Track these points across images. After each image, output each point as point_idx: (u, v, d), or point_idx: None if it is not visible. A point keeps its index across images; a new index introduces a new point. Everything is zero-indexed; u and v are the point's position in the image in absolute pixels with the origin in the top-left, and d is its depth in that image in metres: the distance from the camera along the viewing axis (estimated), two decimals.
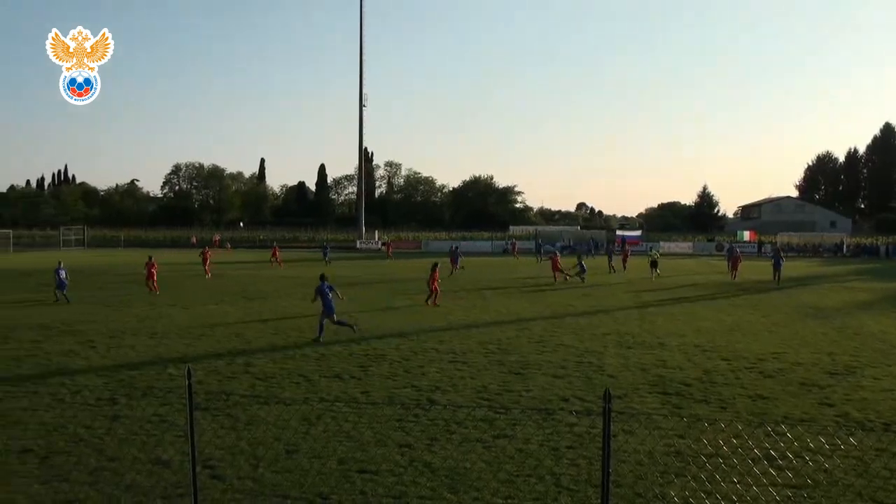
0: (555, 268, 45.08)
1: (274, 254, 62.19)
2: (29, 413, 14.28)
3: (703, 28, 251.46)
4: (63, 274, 34.94)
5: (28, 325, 26.54)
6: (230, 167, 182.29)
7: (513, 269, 58.35)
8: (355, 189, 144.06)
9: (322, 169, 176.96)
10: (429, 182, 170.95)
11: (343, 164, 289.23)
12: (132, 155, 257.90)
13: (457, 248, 55.64)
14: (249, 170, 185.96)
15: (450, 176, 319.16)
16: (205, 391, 15.80)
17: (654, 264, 49.61)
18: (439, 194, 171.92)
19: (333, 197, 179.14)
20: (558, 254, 49.38)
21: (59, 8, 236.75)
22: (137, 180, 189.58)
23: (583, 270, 44.65)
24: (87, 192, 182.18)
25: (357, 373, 17.81)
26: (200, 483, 8.80)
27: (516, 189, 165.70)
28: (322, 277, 24.12)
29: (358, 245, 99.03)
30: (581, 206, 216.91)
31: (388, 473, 10.64)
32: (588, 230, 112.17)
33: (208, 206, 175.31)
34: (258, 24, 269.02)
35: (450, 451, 11.55)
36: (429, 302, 32.03)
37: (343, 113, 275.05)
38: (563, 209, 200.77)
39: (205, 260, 49.63)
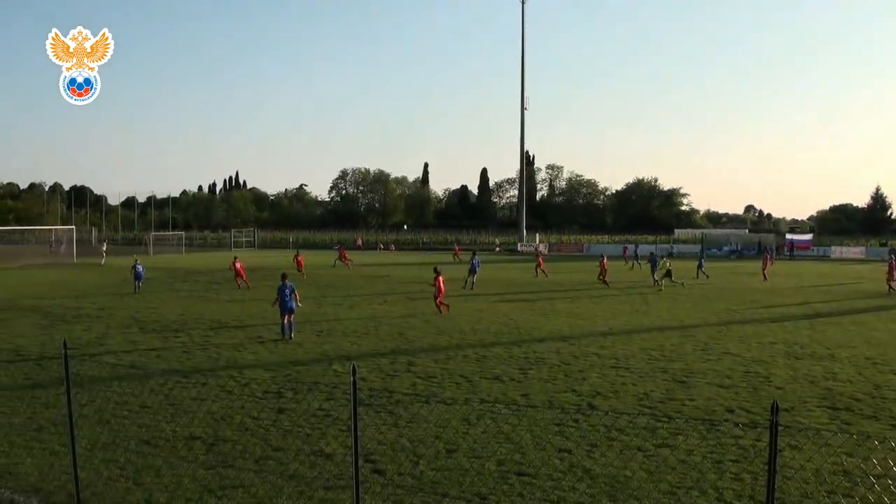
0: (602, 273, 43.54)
1: (343, 255, 62.80)
2: (198, 403, 14.89)
3: (870, 26, 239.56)
4: (140, 269, 40.91)
5: (199, 320, 27.79)
6: (395, 172, 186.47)
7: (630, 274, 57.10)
8: (516, 192, 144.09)
9: (484, 172, 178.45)
10: (591, 184, 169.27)
11: (505, 168, 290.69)
12: (301, 161, 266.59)
13: (476, 257, 46.87)
14: (413, 174, 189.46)
15: (613, 178, 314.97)
16: (368, 388, 16.11)
17: (668, 274, 42.88)
18: (602, 197, 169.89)
19: (495, 200, 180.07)
20: (605, 258, 46.94)
21: (59, 8, 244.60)
22: (306, 185, 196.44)
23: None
24: (258, 196, 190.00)
25: (517, 375, 17.80)
26: (362, 476, 8.93)
27: (681, 191, 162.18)
28: (283, 277, 24.41)
29: (519, 248, 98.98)
30: (749, 208, 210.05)
31: (546, 477, 10.54)
32: (756, 233, 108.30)
33: (373, 209, 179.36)
34: (420, 30, 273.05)
35: (610, 458, 11.35)
36: (441, 307, 30.51)
37: (505, 116, 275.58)
38: (731, 212, 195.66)
39: (298, 263, 50.11)
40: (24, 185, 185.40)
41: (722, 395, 15.80)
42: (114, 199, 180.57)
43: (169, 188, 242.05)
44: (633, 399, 15.50)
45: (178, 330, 25.47)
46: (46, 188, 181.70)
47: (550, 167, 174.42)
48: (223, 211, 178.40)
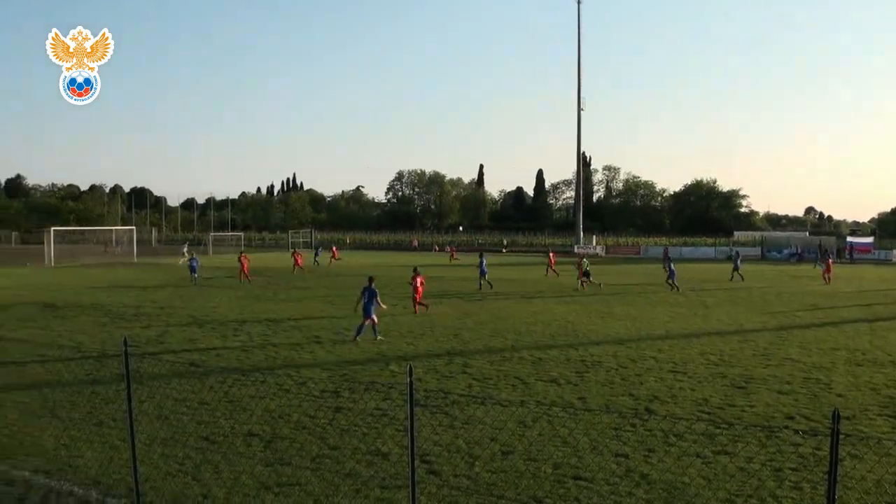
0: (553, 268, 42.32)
1: (297, 261, 63.93)
2: (256, 400, 15.07)
3: None
4: (195, 264, 47.44)
5: (258, 320, 28.10)
6: (450, 173, 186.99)
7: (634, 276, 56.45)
8: (573, 194, 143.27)
9: (540, 174, 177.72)
10: (648, 186, 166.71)
11: (561, 169, 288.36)
12: (358, 163, 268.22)
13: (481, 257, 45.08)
14: (469, 176, 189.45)
15: (670, 179, 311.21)
16: (424, 388, 16.15)
17: (586, 274, 43.71)
18: (659, 199, 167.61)
19: (551, 202, 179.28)
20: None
21: (59, 8, 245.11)
22: (362, 186, 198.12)
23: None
24: (315, 197, 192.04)
25: (574, 378, 17.69)
26: (418, 477, 8.93)
27: (741, 192, 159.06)
28: (370, 280, 24.37)
29: (575, 250, 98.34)
30: (809, 210, 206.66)
31: (603, 482, 10.46)
32: (817, 236, 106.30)
33: (429, 210, 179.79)
34: (476, 30, 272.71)
35: (668, 464, 11.24)
36: (418, 308, 30.84)
37: (561, 117, 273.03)
38: (791, 214, 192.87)
39: (242, 266, 47.77)
40: (84, 187, 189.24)
41: (782, 402, 15.54)
42: (173, 201, 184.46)
43: (228, 190, 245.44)
44: (692, 404, 15.31)
45: (237, 329, 25.79)
46: (107, 190, 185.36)
47: (607, 168, 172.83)
48: (281, 212, 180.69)
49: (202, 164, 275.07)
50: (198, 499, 9.99)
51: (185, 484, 10.46)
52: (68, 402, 15.35)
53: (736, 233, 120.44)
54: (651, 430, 13.18)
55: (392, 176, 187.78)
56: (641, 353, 21.20)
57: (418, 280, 30.84)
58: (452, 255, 79.17)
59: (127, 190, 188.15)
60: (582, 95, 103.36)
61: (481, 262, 43.02)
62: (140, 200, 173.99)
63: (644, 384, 17.12)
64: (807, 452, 11.90)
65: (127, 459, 10.15)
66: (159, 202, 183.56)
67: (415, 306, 30.73)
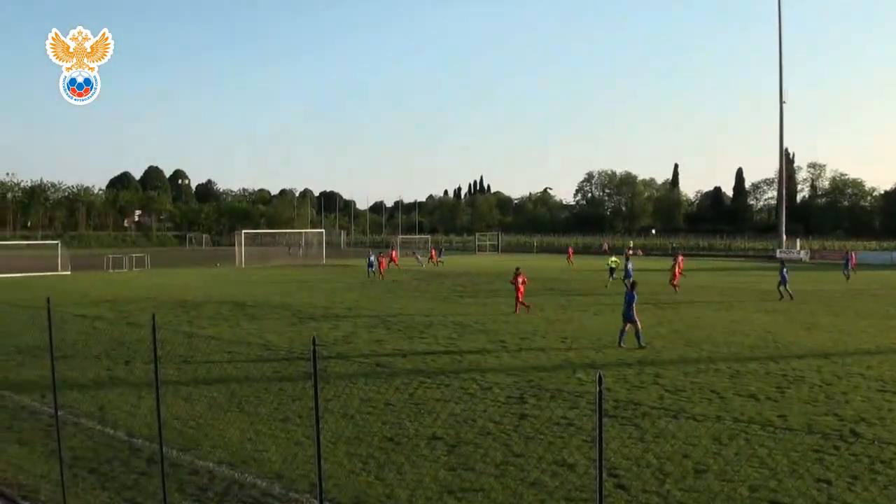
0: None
1: (392, 258, 66.74)
2: (441, 404, 15.10)
3: None
4: (372, 259, 55.16)
5: (443, 323, 28.36)
6: (643, 173, 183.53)
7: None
8: (775, 194, 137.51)
9: (739, 173, 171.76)
10: (856, 184, 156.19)
11: (762, 167, 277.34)
12: (546, 164, 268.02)
13: (628, 258, 44.93)
14: (662, 176, 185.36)
15: (880, 178, 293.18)
16: (613, 399, 15.70)
17: (612, 272, 46.28)
18: (868, 198, 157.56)
19: (751, 203, 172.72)
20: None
21: (59, 8, 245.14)
22: (550, 188, 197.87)
23: None
24: (501, 200, 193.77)
25: (773, 394, 16.67)
26: (605, 491, 8.54)
27: None
28: (632, 286, 23.81)
29: (778, 254, 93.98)
30: None
31: None
32: None
33: (620, 212, 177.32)
34: (668, 23, 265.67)
35: (873, 493, 10.31)
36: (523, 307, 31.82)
37: (762, 111, 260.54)
38: None
39: (380, 264, 55.89)
40: (274, 192, 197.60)
41: None
42: (362, 205, 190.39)
43: (415, 194, 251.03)
44: None
45: (423, 331, 26.06)
46: (297, 194, 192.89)
47: (812, 165, 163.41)
48: (468, 215, 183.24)
49: (391, 169, 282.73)
50: (381, 498, 10.07)
51: (367, 483, 10.55)
52: (255, 397, 15.89)
53: None
54: (856, 454, 12.19)
55: (581, 177, 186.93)
56: (848, 369, 19.81)
57: (520, 279, 31.81)
58: (570, 258, 77.55)
59: (317, 194, 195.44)
60: (784, 87, 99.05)
61: (627, 265, 43.27)
62: (329, 204, 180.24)
63: (850, 403, 15.92)
64: None
65: (311, 456, 10.31)
66: (348, 205, 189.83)
67: (516, 306, 31.82)
